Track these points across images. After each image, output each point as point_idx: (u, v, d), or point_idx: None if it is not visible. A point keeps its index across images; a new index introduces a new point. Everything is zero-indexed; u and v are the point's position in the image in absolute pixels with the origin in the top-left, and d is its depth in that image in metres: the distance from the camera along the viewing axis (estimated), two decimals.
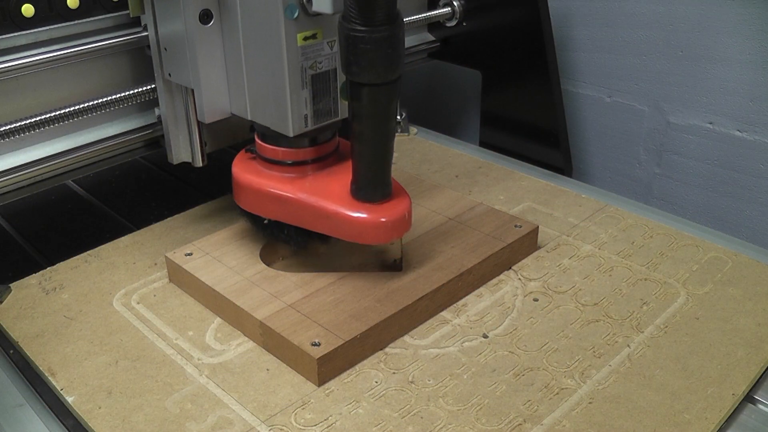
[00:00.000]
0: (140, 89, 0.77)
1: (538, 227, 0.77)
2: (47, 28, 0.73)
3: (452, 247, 0.72)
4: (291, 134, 0.65)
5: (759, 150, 0.98)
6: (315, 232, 0.68)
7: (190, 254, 0.72)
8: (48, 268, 0.76)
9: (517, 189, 0.91)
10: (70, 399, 0.59)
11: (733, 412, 0.58)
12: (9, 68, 0.70)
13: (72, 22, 0.75)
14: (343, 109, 0.68)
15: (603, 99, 1.12)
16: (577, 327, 0.66)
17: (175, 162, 0.80)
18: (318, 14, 0.62)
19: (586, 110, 1.16)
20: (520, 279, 0.73)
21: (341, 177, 0.67)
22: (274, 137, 0.68)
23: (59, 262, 0.77)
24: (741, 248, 0.78)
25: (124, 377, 0.61)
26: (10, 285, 0.73)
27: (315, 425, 0.56)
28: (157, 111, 0.82)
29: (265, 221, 0.70)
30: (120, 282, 0.73)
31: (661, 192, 1.11)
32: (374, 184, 0.64)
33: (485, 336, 0.65)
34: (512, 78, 1.05)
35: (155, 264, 0.76)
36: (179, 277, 0.72)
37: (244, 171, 0.70)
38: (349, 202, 0.65)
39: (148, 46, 0.76)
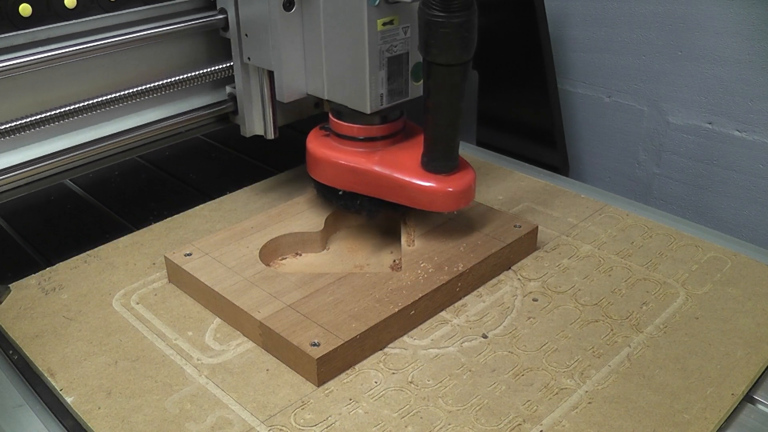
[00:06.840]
0: (213, 68, 0.90)
1: (537, 227, 0.77)
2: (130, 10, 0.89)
3: (452, 247, 0.72)
4: (368, 111, 0.71)
5: (758, 150, 0.98)
6: (387, 201, 0.73)
7: (189, 254, 0.72)
8: (47, 269, 0.76)
9: (516, 189, 0.91)
10: (69, 399, 0.59)
11: (733, 412, 0.58)
12: (103, 45, 0.81)
13: (153, 6, 0.89)
14: (412, 91, 0.73)
15: (602, 99, 1.12)
16: (577, 327, 0.66)
17: (248, 135, 0.87)
18: (396, 2, 0.68)
19: (585, 110, 1.16)
20: (519, 279, 0.73)
21: (411, 152, 0.73)
22: (350, 115, 0.73)
23: (59, 262, 0.77)
24: (741, 248, 0.78)
25: (124, 377, 0.61)
26: (10, 285, 0.73)
27: (314, 425, 0.56)
28: (228, 89, 0.90)
29: (340, 192, 0.75)
30: (119, 282, 0.73)
31: (661, 192, 1.11)
32: (444, 157, 0.69)
33: (485, 336, 0.65)
34: (509, 78, 1.06)
35: (154, 264, 0.76)
36: (178, 278, 0.72)
37: (320, 146, 0.75)
38: (421, 173, 0.70)
39: (223, 29, 0.86)
